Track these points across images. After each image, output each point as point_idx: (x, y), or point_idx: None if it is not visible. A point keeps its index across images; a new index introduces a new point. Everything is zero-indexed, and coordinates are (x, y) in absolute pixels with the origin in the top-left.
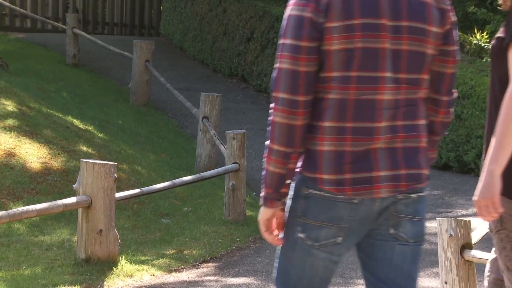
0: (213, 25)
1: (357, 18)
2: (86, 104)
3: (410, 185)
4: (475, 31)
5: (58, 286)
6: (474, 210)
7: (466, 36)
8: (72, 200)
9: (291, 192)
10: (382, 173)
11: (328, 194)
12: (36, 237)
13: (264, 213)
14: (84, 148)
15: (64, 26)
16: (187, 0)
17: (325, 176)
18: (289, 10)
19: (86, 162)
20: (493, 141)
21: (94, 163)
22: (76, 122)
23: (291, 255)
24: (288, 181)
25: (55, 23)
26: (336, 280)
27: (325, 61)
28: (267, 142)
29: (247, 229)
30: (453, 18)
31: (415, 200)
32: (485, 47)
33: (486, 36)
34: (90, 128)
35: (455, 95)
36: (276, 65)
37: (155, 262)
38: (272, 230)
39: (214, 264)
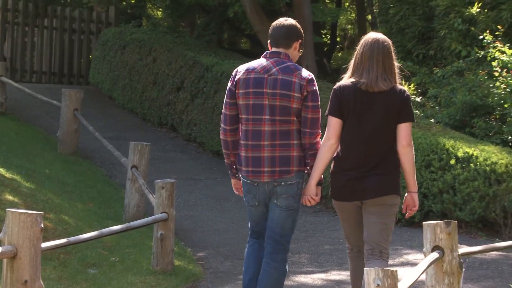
0: (143, 74)
1: (251, 88)
2: (13, 153)
3: (281, 176)
4: (402, 82)
5: None
6: (401, 260)
7: None
8: None
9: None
10: (266, 169)
11: (244, 179)
12: None
13: (232, 182)
14: (10, 198)
15: None
16: (116, 49)
17: (242, 168)
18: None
19: (12, 211)
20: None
21: (20, 213)
22: (2, 171)
23: (246, 208)
24: (234, 167)
25: None
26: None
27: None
28: None
29: (175, 279)
30: (311, 88)
31: (285, 186)
32: (411, 99)
33: (413, 88)
34: (17, 177)
35: (319, 130)
36: None
37: None
38: (238, 190)
39: None
